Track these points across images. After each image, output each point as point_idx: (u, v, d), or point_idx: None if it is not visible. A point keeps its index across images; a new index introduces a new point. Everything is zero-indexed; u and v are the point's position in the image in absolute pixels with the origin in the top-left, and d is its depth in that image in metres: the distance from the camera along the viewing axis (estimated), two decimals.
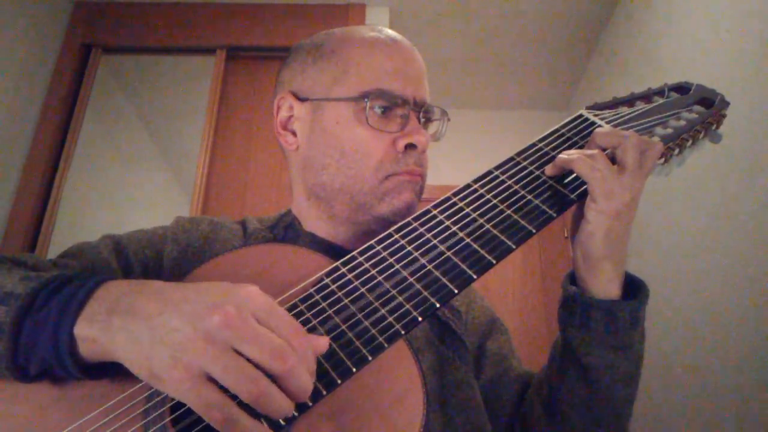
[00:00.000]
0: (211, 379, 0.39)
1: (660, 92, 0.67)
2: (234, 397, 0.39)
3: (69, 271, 0.51)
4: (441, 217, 0.55)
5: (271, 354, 0.39)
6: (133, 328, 0.41)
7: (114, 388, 0.46)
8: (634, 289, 0.59)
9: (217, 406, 0.38)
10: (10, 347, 0.44)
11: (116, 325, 0.42)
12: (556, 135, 0.62)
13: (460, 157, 2.48)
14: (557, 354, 0.64)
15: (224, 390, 0.39)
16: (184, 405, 0.44)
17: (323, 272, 0.51)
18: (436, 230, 0.54)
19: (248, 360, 0.39)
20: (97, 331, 0.43)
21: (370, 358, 0.45)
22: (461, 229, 0.53)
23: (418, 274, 0.50)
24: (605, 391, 0.59)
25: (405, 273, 0.50)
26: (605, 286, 0.57)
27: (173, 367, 0.38)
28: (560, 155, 0.57)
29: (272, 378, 0.39)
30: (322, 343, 0.44)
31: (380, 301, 0.48)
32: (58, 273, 0.48)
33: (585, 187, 0.56)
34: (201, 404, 0.38)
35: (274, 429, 0.42)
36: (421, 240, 0.53)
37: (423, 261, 0.51)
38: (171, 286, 0.45)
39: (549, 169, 0.58)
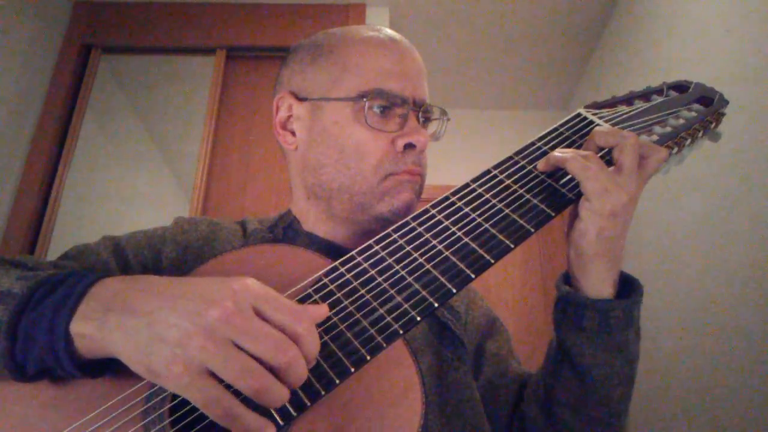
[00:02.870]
0: (212, 374, 0.39)
1: (659, 91, 0.67)
2: (234, 391, 0.39)
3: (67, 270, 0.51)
4: (439, 217, 0.54)
5: (270, 348, 0.39)
6: (131, 324, 0.41)
7: (113, 388, 0.46)
8: (628, 288, 0.59)
9: (218, 400, 0.38)
10: (7, 346, 0.44)
11: (113, 322, 0.42)
12: (554, 134, 0.62)
13: (459, 157, 2.48)
14: (552, 354, 0.64)
15: (224, 384, 0.39)
16: (183, 406, 0.44)
17: (322, 272, 0.51)
18: (434, 230, 0.53)
19: (248, 353, 0.39)
20: (93, 328, 0.43)
21: (368, 358, 0.45)
22: (460, 228, 0.53)
23: (417, 274, 0.50)
24: (600, 391, 0.59)
25: (403, 273, 0.50)
26: (598, 285, 0.57)
27: (173, 362, 0.39)
28: (553, 152, 0.57)
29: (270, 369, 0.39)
30: (323, 311, 0.44)
31: (378, 301, 0.48)
32: (55, 271, 0.48)
33: None
34: (202, 399, 0.38)
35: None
36: (419, 240, 0.53)
37: (421, 260, 0.51)
38: (167, 281, 0.45)
39: (541, 165, 0.58)
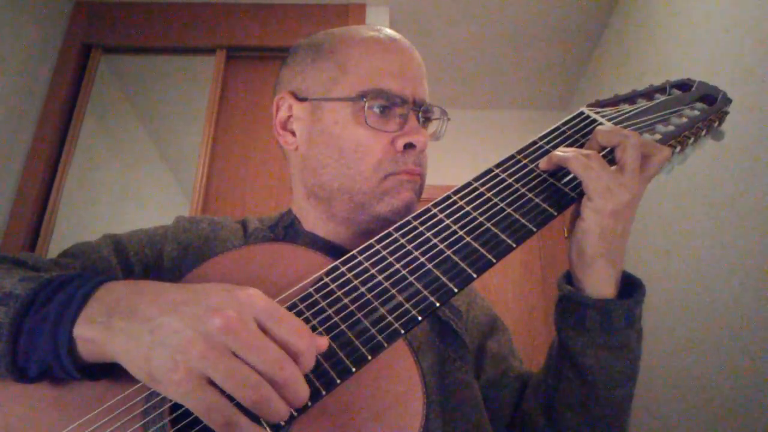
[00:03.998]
0: (211, 382, 0.39)
1: (662, 89, 0.67)
2: (231, 399, 0.39)
3: (69, 271, 0.50)
4: (441, 216, 0.54)
5: (270, 363, 0.39)
6: (133, 330, 0.41)
7: (113, 388, 0.46)
8: (630, 287, 0.59)
9: (217, 409, 0.38)
10: (9, 348, 0.44)
11: (116, 326, 0.42)
12: (557, 133, 0.62)
13: (460, 157, 2.48)
14: (553, 354, 0.63)
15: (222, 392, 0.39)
16: (183, 405, 0.44)
17: (323, 271, 0.51)
18: (435, 229, 0.53)
19: (247, 365, 0.39)
20: (96, 332, 0.43)
21: (369, 358, 0.44)
22: (461, 227, 0.53)
23: (418, 273, 0.50)
24: (601, 391, 0.58)
25: (404, 272, 0.50)
26: (600, 285, 0.57)
27: (173, 369, 0.38)
28: (555, 151, 0.57)
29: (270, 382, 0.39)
30: (322, 343, 0.44)
31: (380, 301, 0.48)
32: (58, 274, 0.48)
33: None
34: (201, 407, 0.38)
35: (273, 429, 0.42)
36: (420, 239, 0.53)
37: (422, 260, 0.51)
38: (172, 287, 0.45)
39: (543, 164, 0.57)
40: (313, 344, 0.42)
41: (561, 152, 0.56)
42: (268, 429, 0.41)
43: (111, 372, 0.46)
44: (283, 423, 0.41)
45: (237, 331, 0.39)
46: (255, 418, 0.40)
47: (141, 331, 0.41)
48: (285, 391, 0.39)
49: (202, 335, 0.39)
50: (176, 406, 0.44)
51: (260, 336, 0.39)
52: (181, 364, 0.38)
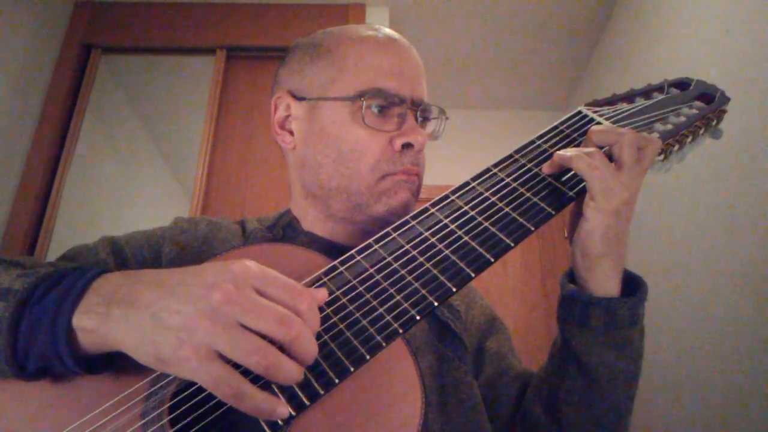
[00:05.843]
0: (220, 356, 0.39)
1: (659, 88, 0.67)
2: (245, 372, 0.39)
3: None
4: (439, 216, 0.54)
5: (277, 323, 0.39)
6: (134, 316, 0.42)
7: (113, 388, 0.46)
8: (632, 286, 0.59)
9: (226, 381, 0.38)
10: (8, 342, 0.44)
11: (116, 315, 0.42)
12: (554, 132, 0.62)
13: (458, 157, 2.48)
14: (556, 352, 0.63)
15: (235, 365, 0.39)
16: (182, 405, 0.44)
17: (321, 271, 0.51)
18: (433, 228, 0.53)
19: (254, 332, 0.39)
20: (95, 322, 0.43)
21: (368, 357, 0.45)
22: (459, 227, 0.53)
23: (416, 273, 0.50)
24: (605, 390, 0.59)
25: (403, 272, 0.50)
26: (604, 284, 0.57)
27: (180, 347, 0.39)
28: (557, 153, 0.57)
29: (279, 346, 0.40)
30: (322, 294, 0.45)
31: (378, 300, 0.48)
32: (55, 268, 0.48)
33: (583, 184, 0.55)
34: (210, 380, 0.39)
35: (272, 428, 0.42)
36: (419, 238, 0.53)
37: (421, 259, 0.51)
38: (167, 272, 0.45)
39: (546, 167, 0.57)
40: (314, 303, 0.43)
41: (563, 153, 0.56)
42: (267, 429, 0.42)
43: (110, 366, 0.46)
44: (281, 422, 0.42)
45: (237, 300, 0.39)
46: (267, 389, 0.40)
47: (142, 317, 0.41)
48: (295, 348, 0.40)
49: (204, 312, 0.39)
50: (175, 406, 0.44)
51: (261, 301, 0.40)
52: (187, 342, 0.39)
